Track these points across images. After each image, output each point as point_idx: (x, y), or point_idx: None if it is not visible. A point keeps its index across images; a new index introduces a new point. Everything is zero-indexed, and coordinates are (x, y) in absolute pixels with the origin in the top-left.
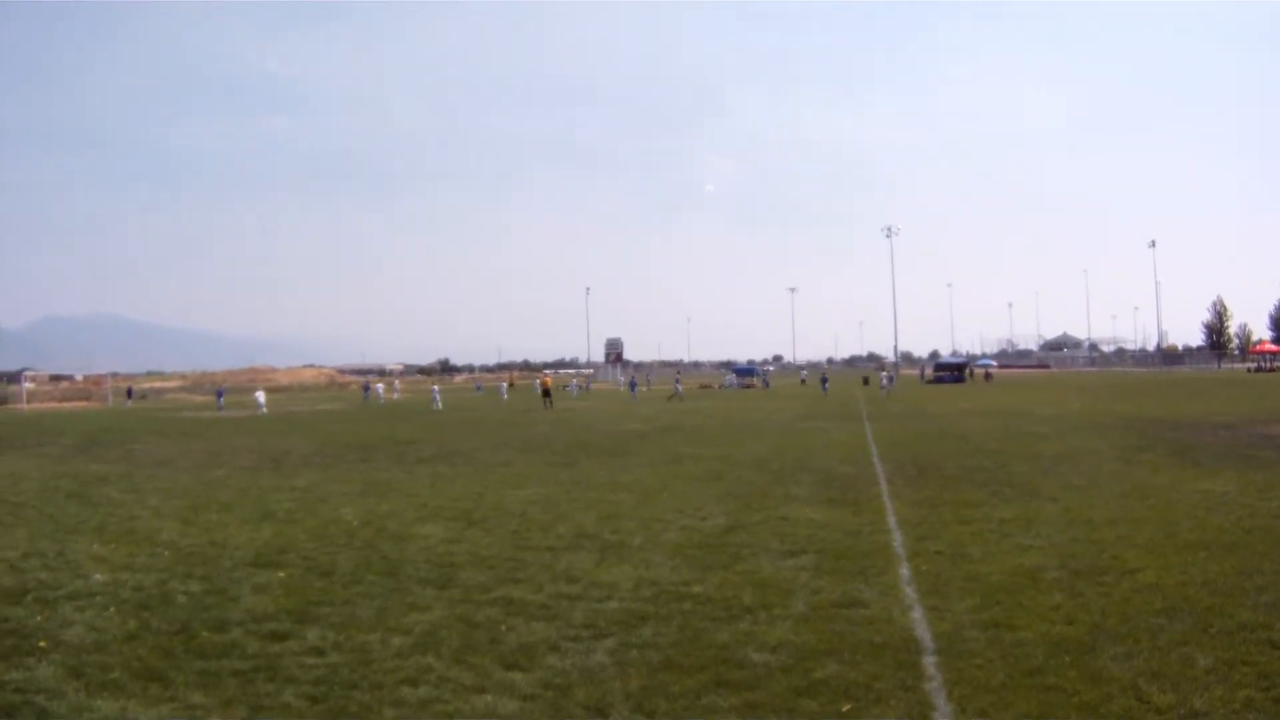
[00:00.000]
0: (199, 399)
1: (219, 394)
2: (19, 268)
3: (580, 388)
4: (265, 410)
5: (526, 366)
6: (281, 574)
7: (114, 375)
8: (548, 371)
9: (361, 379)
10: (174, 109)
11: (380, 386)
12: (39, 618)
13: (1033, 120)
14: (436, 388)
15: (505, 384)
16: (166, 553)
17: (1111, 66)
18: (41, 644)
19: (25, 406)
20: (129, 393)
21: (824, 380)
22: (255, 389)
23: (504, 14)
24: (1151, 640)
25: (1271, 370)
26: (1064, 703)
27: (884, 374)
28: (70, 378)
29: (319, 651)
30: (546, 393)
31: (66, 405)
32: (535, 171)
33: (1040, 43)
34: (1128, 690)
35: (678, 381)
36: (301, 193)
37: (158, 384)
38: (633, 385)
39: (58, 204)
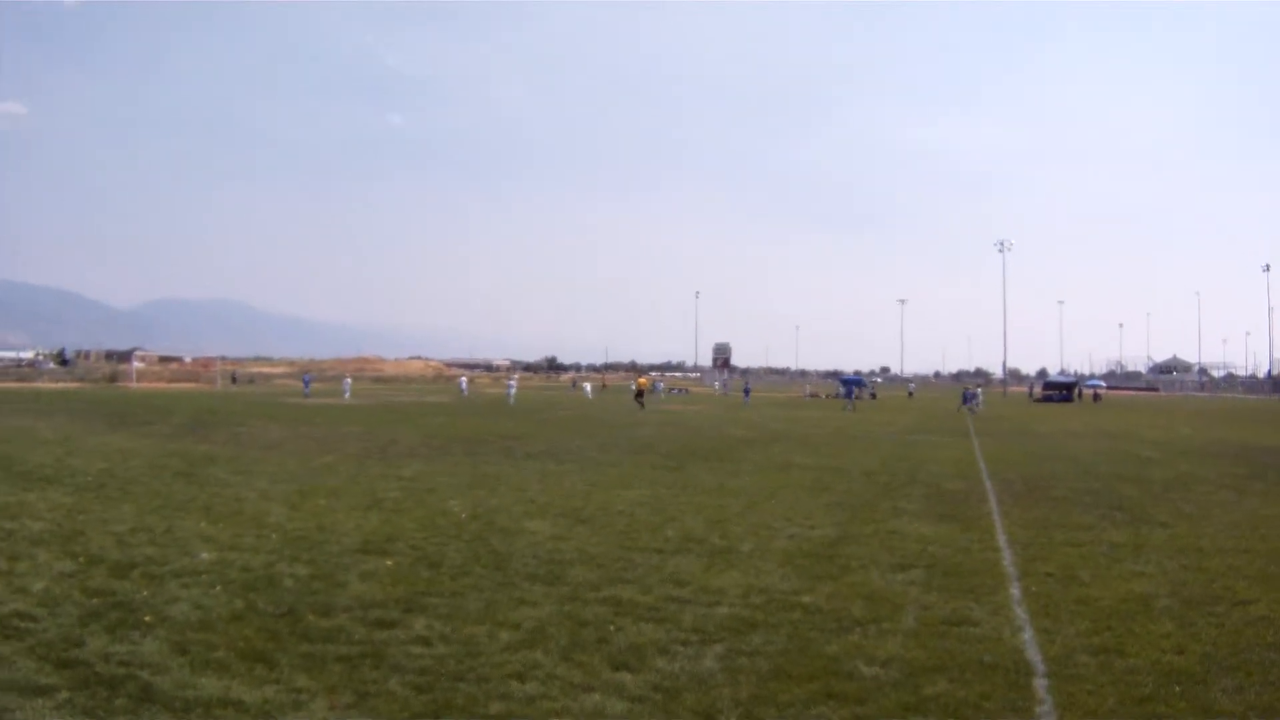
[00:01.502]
0: (300, 385)
1: (305, 380)
2: (137, 250)
3: (670, 390)
4: (349, 396)
5: (634, 367)
6: (389, 562)
7: (222, 359)
8: (654, 374)
9: (470, 373)
10: (293, 100)
11: (513, 384)
12: (145, 593)
13: (1150, 136)
14: (513, 382)
15: (589, 384)
16: (274, 535)
17: (1233, 81)
18: (147, 619)
19: (135, 385)
20: (233, 377)
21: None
22: (360, 377)
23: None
24: (1263, 674)
25: None
26: None
27: (966, 391)
28: (179, 359)
29: (425, 641)
30: (640, 394)
31: (175, 386)
32: (649, 174)
33: (1160, 55)
34: None
35: (746, 388)
36: (417, 188)
37: (265, 369)
38: (746, 391)
39: (177, 191)
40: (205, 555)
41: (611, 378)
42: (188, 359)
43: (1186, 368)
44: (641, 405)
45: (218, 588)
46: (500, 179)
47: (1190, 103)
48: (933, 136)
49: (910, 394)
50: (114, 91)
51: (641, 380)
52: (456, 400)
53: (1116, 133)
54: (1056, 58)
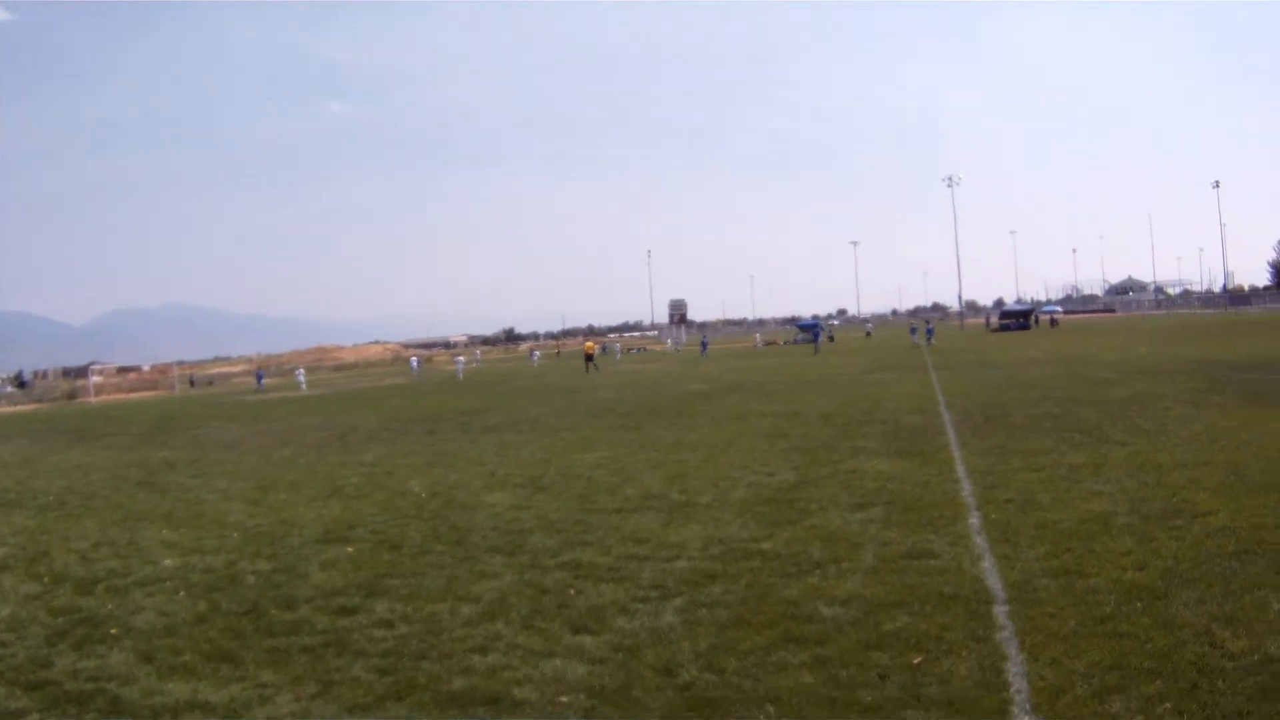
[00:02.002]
0: (267, 381)
1: (259, 376)
2: (86, 265)
3: (628, 350)
4: (305, 388)
5: (591, 331)
6: (350, 549)
7: (180, 363)
8: (611, 335)
9: (426, 352)
10: (229, 99)
11: (461, 359)
12: (110, 606)
13: (1095, 62)
14: (460, 359)
15: (537, 353)
16: (235, 534)
17: (1175, 6)
18: (113, 631)
19: (93, 399)
20: (191, 381)
21: (924, 329)
22: (319, 366)
23: None
24: (1224, 585)
25: None
26: (1136, 649)
27: (914, 327)
28: (137, 368)
29: (388, 624)
30: (589, 358)
31: (134, 395)
32: (595, 138)
33: None
34: (1201, 636)
35: (704, 341)
36: (361, 175)
37: (224, 369)
38: (703, 344)
39: (122, 200)
40: (168, 562)
41: (568, 344)
42: (145, 367)
43: (1142, 288)
44: (591, 369)
45: (181, 593)
46: (447, 159)
47: (1133, 26)
48: (878, 82)
49: (868, 334)
50: (47, 107)
51: (589, 345)
52: (411, 381)
53: (1060, 60)
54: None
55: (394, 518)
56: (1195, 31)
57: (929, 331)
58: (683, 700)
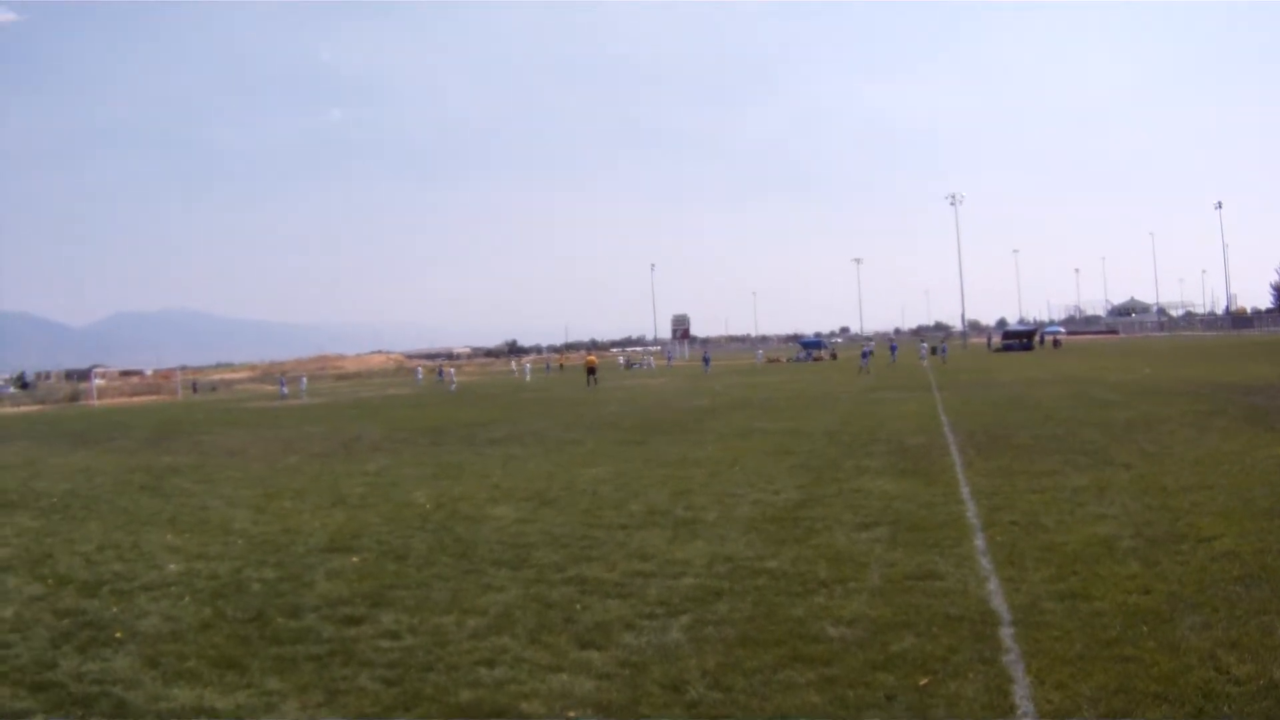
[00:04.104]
0: (268, 389)
1: (282, 382)
2: (88, 268)
3: (631, 365)
4: (305, 397)
5: (594, 345)
6: (355, 559)
7: (183, 368)
8: (613, 349)
9: (431, 364)
10: (235, 103)
11: (452, 371)
12: (115, 609)
13: (1097, 83)
14: (453, 370)
15: (528, 364)
16: (240, 541)
17: (1177, 26)
18: (118, 635)
19: (96, 402)
20: (194, 386)
21: (864, 354)
22: (321, 375)
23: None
24: (1230, 609)
25: None
26: (1142, 673)
27: (924, 344)
28: (140, 373)
29: (394, 635)
30: (591, 371)
31: (137, 400)
32: (600, 153)
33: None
34: (1206, 661)
35: (706, 356)
36: (364, 183)
37: (227, 375)
38: (705, 360)
39: (125, 203)
40: (173, 567)
41: (572, 357)
42: (148, 372)
43: (1145, 309)
44: (593, 383)
45: (186, 598)
46: (454, 170)
47: (1136, 45)
48: (881, 101)
49: (868, 353)
50: (52, 111)
51: (590, 358)
52: (416, 391)
53: (1065, 80)
54: (998, 12)
55: (399, 529)
56: (1199, 52)
57: (943, 350)
58: (690, 717)
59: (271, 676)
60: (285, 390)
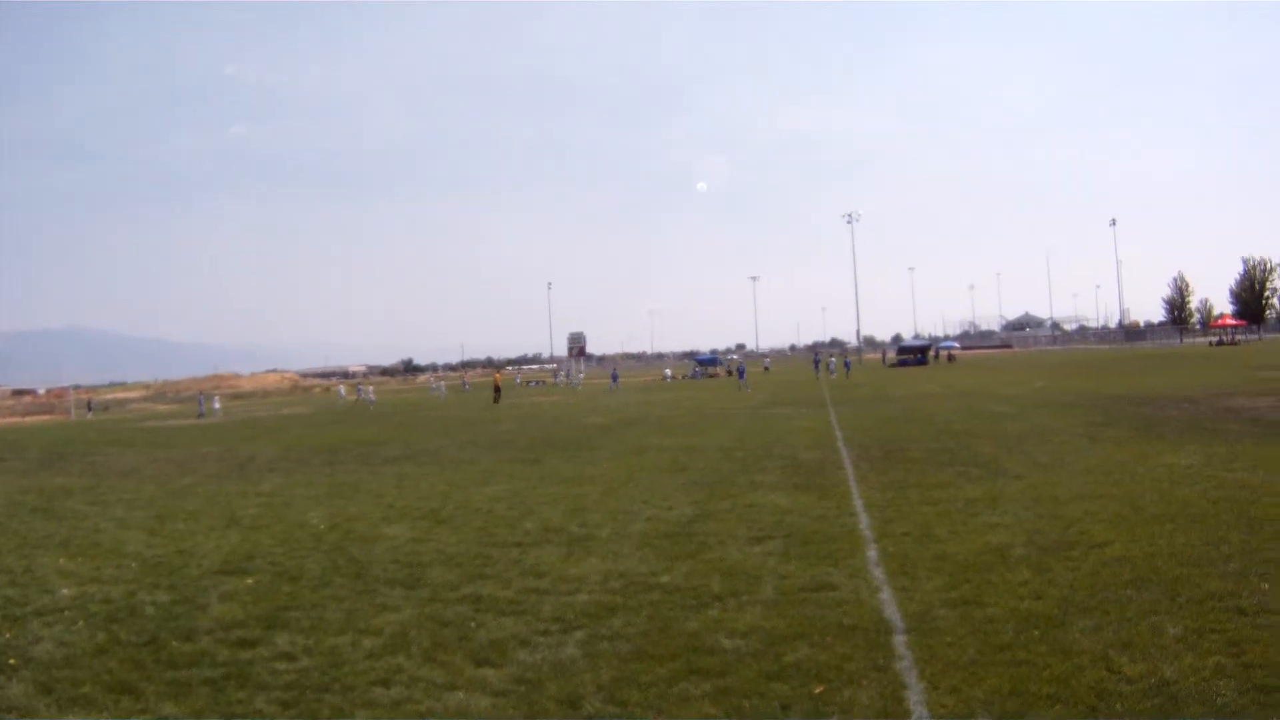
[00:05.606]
0: (162, 408)
1: (200, 401)
2: None
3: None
4: (219, 414)
5: (490, 363)
6: (249, 580)
7: (76, 387)
8: (509, 368)
9: (350, 382)
10: (133, 115)
11: (371, 389)
12: (7, 635)
13: (994, 103)
14: (371, 388)
15: (443, 384)
16: (133, 564)
17: (1073, 49)
18: (11, 661)
19: None
20: (89, 405)
21: (740, 370)
22: (216, 395)
23: (471, 14)
24: (1120, 612)
25: (1233, 344)
26: (1035, 676)
27: (831, 359)
28: (33, 392)
29: (289, 657)
30: (497, 390)
31: (29, 420)
32: (500, 171)
33: (1004, 29)
34: (1098, 661)
35: (614, 374)
36: (261, 200)
37: (120, 394)
38: (614, 376)
39: (18, 219)
40: (66, 591)
41: (473, 375)
42: (41, 390)
43: (1039, 323)
44: (497, 400)
45: (80, 623)
46: (349, 188)
47: (1032, 67)
48: (786, 122)
49: (766, 369)
50: None
51: (497, 376)
52: (331, 409)
53: (962, 101)
54: (898, 37)
55: (293, 549)
56: (1094, 72)
57: (846, 365)
58: None
59: (167, 701)
60: (203, 409)
